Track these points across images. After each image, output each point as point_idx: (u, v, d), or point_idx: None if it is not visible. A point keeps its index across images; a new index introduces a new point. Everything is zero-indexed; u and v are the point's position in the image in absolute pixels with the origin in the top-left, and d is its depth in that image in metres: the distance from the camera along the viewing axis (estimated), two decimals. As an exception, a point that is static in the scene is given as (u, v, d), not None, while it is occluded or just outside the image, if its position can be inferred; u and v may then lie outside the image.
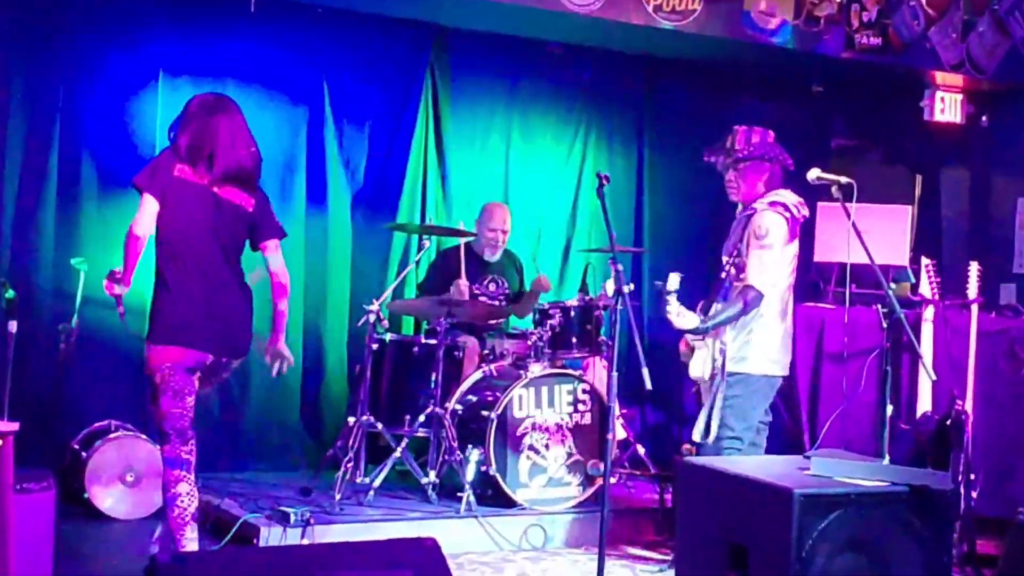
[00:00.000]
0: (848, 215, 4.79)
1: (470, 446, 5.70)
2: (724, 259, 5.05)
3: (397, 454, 5.65)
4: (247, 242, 4.53)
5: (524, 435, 5.72)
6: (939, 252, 7.13)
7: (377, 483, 5.59)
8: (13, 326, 4.89)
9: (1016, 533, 4.46)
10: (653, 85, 7.49)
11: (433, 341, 5.89)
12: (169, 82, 6.27)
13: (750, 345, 4.94)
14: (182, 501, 4.34)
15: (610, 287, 4.70)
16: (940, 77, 7.16)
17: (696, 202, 7.34)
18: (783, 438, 7.01)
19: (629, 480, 6.36)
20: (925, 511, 3.90)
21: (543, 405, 5.77)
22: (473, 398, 5.90)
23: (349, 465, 5.58)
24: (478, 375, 5.98)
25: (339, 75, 6.72)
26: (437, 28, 6.85)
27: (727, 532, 4.03)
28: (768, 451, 6.60)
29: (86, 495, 5.44)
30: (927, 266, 5.99)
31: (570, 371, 5.93)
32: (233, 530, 5.08)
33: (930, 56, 6.97)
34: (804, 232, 6.72)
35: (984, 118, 7.47)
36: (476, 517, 5.48)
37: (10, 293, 5.04)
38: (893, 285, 6.05)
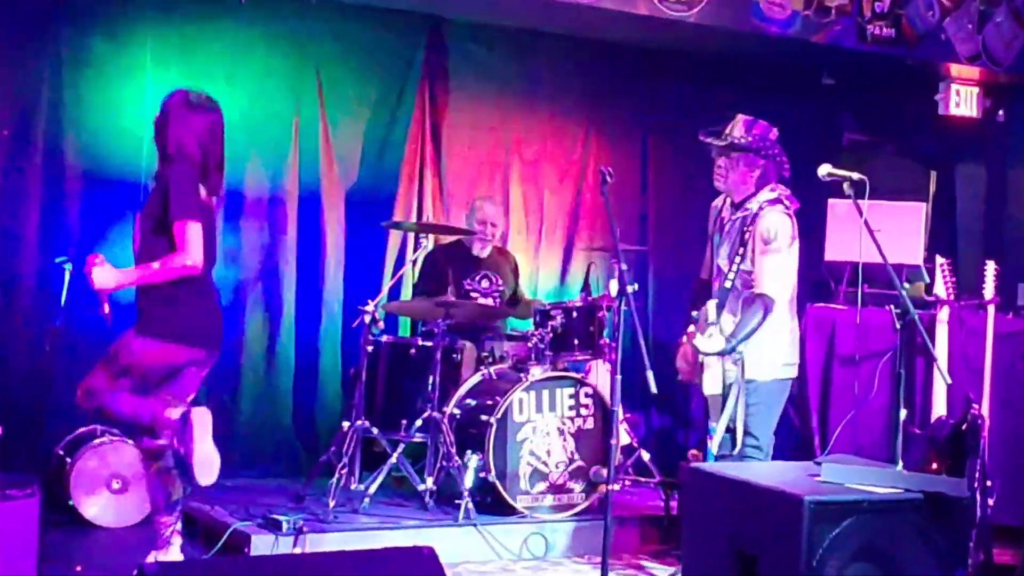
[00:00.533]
0: (860, 212, 4.79)
1: (469, 451, 5.70)
2: (722, 264, 4.95)
3: (393, 460, 5.64)
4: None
5: (524, 440, 5.71)
6: (954, 251, 7.12)
7: (372, 490, 5.59)
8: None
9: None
10: (658, 78, 7.49)
11: (430, 343, 5.89)
12: (158, 75, 6.26)
13: (765, 349, 4.89)
14: (165, 490, 4.41)
15: (613, 287, 4.69)
16: (955, 69, 7.15)
17: (703, 198, 7.28)
18: (793, 443, 7.02)
19: (633, 487, 6.35)
20: (940, 519, 3.90)
21: (544, 409, 5.76)
22: (472, 402, 5.90)
23: (343, 471, 5.58)
24: (477, 378, 5.97)
25: (332, 67, 6.72)
26: (433, 19, 6.85)
27: (735, 541, 4.03)
28: (777, 457, 6.60)
29: (71, 502, 5.44)
30: (942, 265, 5.99)
31: (572, 374, 5.93)
32: (223, 539, 5.08)
33: (945, 48, 6.97)
34: (815, 230, 6.78)
35: (1001, 112, 7.47)
36: (475, 525, 5.47)
37: None
38: (907, 285, 6.05)
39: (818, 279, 6.83)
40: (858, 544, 3.79)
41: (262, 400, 6.50)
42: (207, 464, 4.26)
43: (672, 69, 7.47)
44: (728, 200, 5.07)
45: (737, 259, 4.88)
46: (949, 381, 5.31)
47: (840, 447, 5.91)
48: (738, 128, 4.95)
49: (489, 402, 5.76)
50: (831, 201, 6.62)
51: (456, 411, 5.87)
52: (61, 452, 5.63)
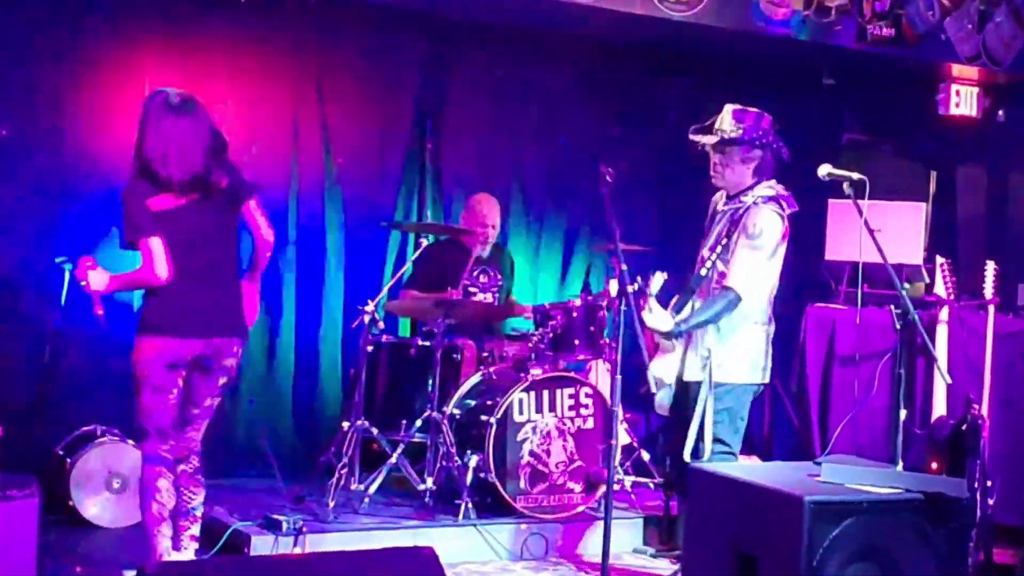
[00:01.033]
0: (860, 212, 4.79)
1: (468, 452, 5.71)
2: (704, 254, 4.82)
3: (393, 460, 5.65)
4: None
5: (524, 440, 5.72)
6: (954, 251, 7.13)
7: (372, 490, 5.60)
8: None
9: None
10: (658, 78, 7.49)
11: (430, 343, 5.89)
12: (158, 75, 6.26)
13: (735, 351, 4.75)
14: (160, 497, 4.39)
15: (614, 287, 4.69)
16: (955, 69, 7.16)
17: (708, 197, 7.31)
18: (793, 443, 7.03)
19: (633, 487, 6.36)
20: (940, 519, 3.91)
21: (544, 409, 5.77)
22: (472, 402, 5.91)
23: (343, 471, 5.58)
24: (477, 378, 5.98)
25: (331, 67, 6.72)
26: (434, 19, 6.85)
27: (735, 541, 4.04)
28: (778, 457, 6.61)
29: (71, 502, 5.45)
30: (942, 265, 5.99)
31: (572, 374, 5.94)
32: (223, 539, 5.08)
33: (945, 48, 6.97)
34: (815, 230, 6.79)
35: (1001, 112, 7.48)
36: (475, 525, 5.49)
37: None
38: (907, 285, 6.05)
39: (818, 279, 6.84)
40: (858, 544, 3.80)
41: (262, 400, 6.50)
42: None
43: (672, 69, 7.48)
44: (724, 194, 4.96)
45: (719, 248, 4.76)
46: (949, 381, 5.32)
47: (840, 447, 5.91)
48: (727, 121, 4.77)
49: (489, 402, 5.77)
50: (831, 201, 6.62)
51: (456, 411, 5.88)
52: (61, 452, 5.64)
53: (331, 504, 5.47)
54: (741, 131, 4.76)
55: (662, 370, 4.81)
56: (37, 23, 6.05)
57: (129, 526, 5.46)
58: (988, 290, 5.86)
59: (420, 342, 6.08)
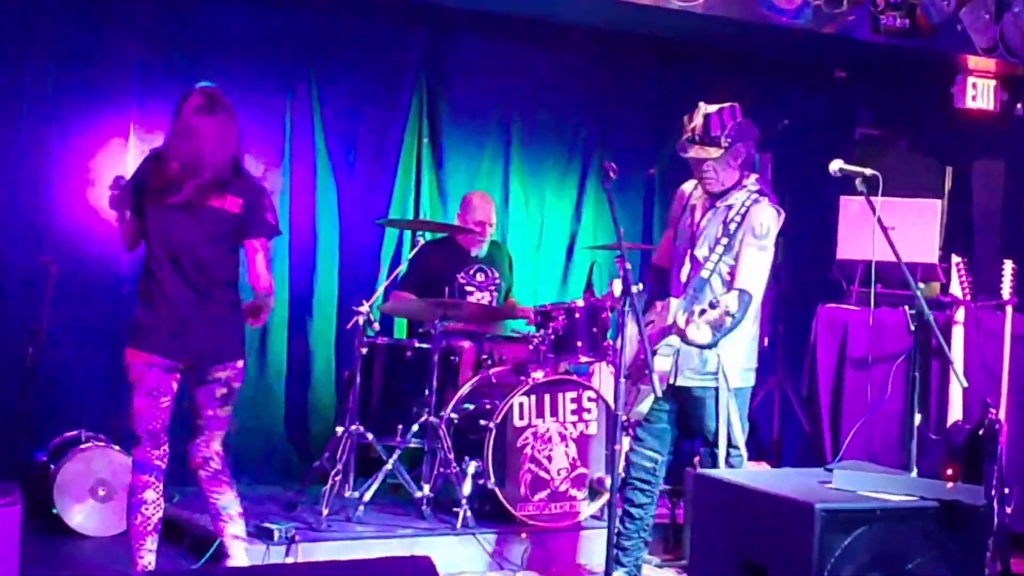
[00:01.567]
0: (873, 210, 4.78)
1: (467, 458, 5.69)
2: (700, 254, 4.79)
3: (388, 466, 5.65)
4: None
5: (525, 446, 5.71)
6: (971, 249, 7.12)
7: (367, 497, 5.59)
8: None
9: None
10: (664, 70, 7.49)
11: (427, 345, 5.88)
12: (146, 66, 6.26)
13: (739, 355, 4.79)
14: (147, 509, 4.38)
15: (617, 287, 4.66)
16: (972, 61, 7.15)
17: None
18: (804, 449, 7.02)
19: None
20: (956, 528, 3.90)
21: (545, 414, 5.76)
22: (470, 406, 5.90)
23: (337, 478, 5.58)
24: (475, 381, 5.97)
25: (326, 62, 6.72)
26: (432, 12, 6.84)
27: (744, 550, 4.02)
28: (788, 463, 6.60)
29: (55, 510, 5.43)
30: (958, 264, 5.99)
31: (574, 377, 5.93)
32: (212, 548, 5.06)
33: (961, 39, 6.96)
34: (826, 229, 6.78)
35: (1019, 105, 7.46)
36: (473, 534, 5.48)
37: None
38: (921, 285, 6.04)
39: (830, 279, 6.83)
40: (871, 554, 3.78)
41: (253, 404, 6.49)
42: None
43: (679, 61, 7.47)
44: (696, 185, 4.91)
45: (720, 249, 4.73)
46: (965, 384, 5.31)
47: (852, 453, 5.89)
48: (713, 126, 4.72)
49: (488, 406, 5.76)
50: (843, 198, 6.61)
51: (454, 416, 5.87)
52: (44, 458, 5.63)
53: (324, 512, 5.45)
54: (728, 133, 4.74)
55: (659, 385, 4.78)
56: (23, 15, 6.04)
57: (115, 535, 5.44)
58: (1006, 290, 5.85)
59: (417, 344, 6.06)
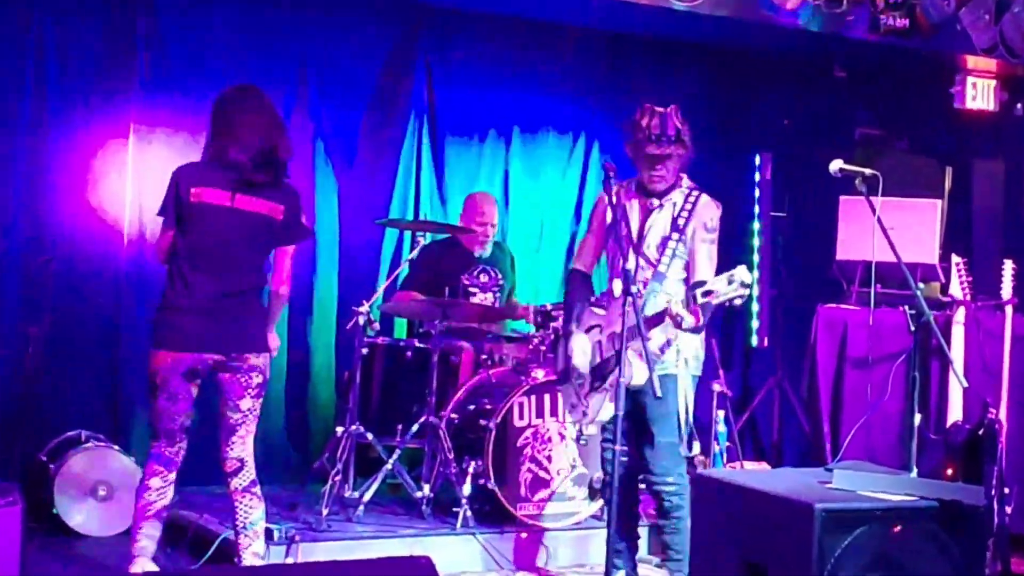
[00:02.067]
0: (873, 210, 4.79)
1: (467, 458, 5.70)
2: (652, 254, 4.84)
3: (388, 466, 5.65)
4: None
5: (525, 446, 5.72)
6: (971, 249, 7.12)
7: (367, 498, 5.59)
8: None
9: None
10: (665, 70, 7.49)
11: (427, 345, 5.89)
12: (146, 67, 6.27)
13: (698, 342, 4.91)
14: (150, 495, 4.46)
15: (617, 287, 4.68)
16: (972, 61, 7.16)
17: (711, 193, 7.32)
18: (803, 448, 7.03)
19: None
20: (956, 528, 3.91)
21: (545, 414, 5.76)
22: (470, 406, 5.90)
23: (337, 478, 5.58)
24: (475, 381, 5.98)
25: (324, 59, 6.71)
26: (433, 9, 6.84)
27: (744, 550, 4.03)
28: (788, 463, 6.61)
29: (55, 510, 5.44)
30: (958, 264, 5.99)
31: (574, 377, 5.93)
32: (212, 548, 5.08)
33: (961, 39, 6.96)
34: (825, 229, 6.79)
35: (1020, 106, 7.47)
36: (473, 534, 5.48)
37: None
38: (921, 285, 6.05)
39: (830, 279, 6.84)
40: (871, 554, 3.80)
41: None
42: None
43: (679, 61, 7.47)
44: (622, 190, 4.93)
45: (672, 245, 4.82)
46: (965, 384, 5.32)
47: (852, 453, 5.91)
48: (670, 124, 4.80)
49: (488, 406, 5.76)
50: (843, 198, 6.62)
51: (454, 416, 5.87)
52: (44, 458, 5.63)
53: (324, 512, 5.45)
54: (684, 130, 4.85)
55: (641, 375, 4.70)
56: (21, 12, 6.03)
57: (116, 535, 5.46)
58: (1006, 290, 5.86)
59: (417, 344, 6.07)
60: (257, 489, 4.58)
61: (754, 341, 7.71)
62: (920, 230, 6.50)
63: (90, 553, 5.35)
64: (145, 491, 4.46)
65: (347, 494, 5.68)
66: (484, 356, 6.16)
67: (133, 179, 6.26)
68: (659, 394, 4.40)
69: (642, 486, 5.07)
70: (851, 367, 6.43)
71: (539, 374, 5.79)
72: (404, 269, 6.50)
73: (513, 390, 5.70)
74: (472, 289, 6.41)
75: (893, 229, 4.80)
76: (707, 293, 4.44)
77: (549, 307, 6.08)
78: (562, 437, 5.78)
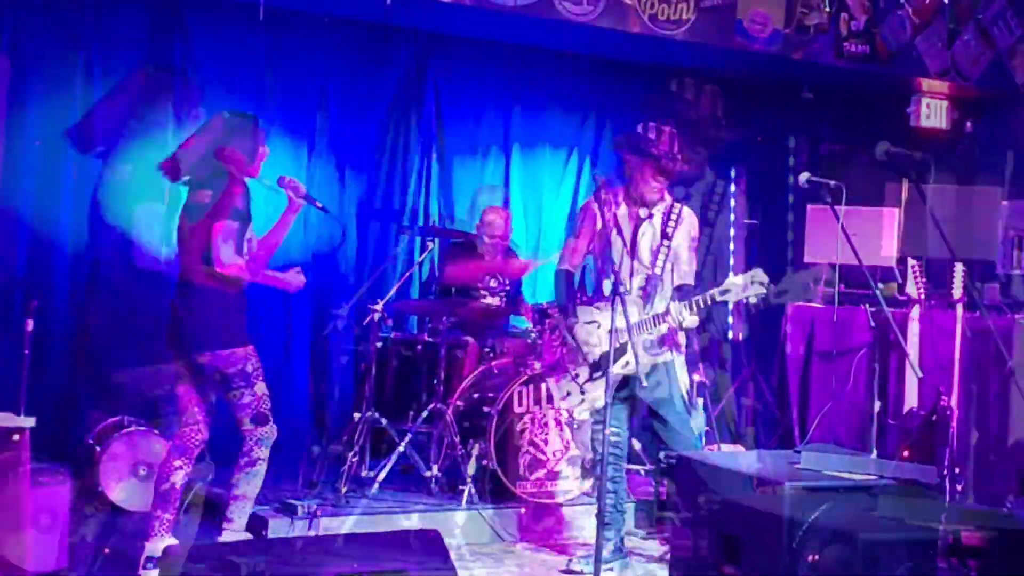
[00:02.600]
0: (837, 218, 4.79)
1: (471, 441, 5.70)
2: (646, 259, 4.88)
3: (401, 448, 5.65)
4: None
5: (524, 430, 5.71)
6: (925, 253, 7.12)
7: (381, 477, 5.59)
8: (30, 324, 4.90)
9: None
10: (650, 91, 7.48)
11: (436, 339, 5.88)
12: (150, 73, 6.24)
13: (682, 333, 5.01)
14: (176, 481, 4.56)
15: (607, 287, 4.68)
16: (926, 84, 7.16)
17: (694, 204, 7.33)
18: (775, 433, 7.02)
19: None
20: (912, 503, 3.89)
21: (542, 401, 5.76)
22: (474, 395, 5.90)
23: (354, 459, 5.58)
24: (479, 372, 5.97)
25: (340, 80, 6.68)
26: (439, 36, 6.83)
27: (721, 524, 4.03)
28: (761, 446, 6.60)
29: (100, 488, 5.44)
30: (913, 267, 5.99)
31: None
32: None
33: (916, 63, 6.97)
34: (795, 234, 6.80)
35: (969, 124, 7.47)
36: (477, 509, 5.48)
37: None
38: (881, 285, 6.05)
39: (798, 280, 6.83)
40: (835, 527, 3.79)
41: (279, 393, 6.46)
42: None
43: (662, 84, 7.46)
44: (611, 199, 4.97)
45: (664, 251, 4.90)
46: (920, 375, 5.32)
47: (819, 436, 5.92)
48: (677, 143, 4.91)
49: (491, 395, 5.76)
50: (810, 207, 6.63)
51: (460, 403, 5.87)
52: (91, 441, 5.63)
53: (343, 489, 5.46)
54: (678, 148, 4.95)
55: (625, 367, 4.79)
56: (68, 38, 6.00)
57: (153, 510, 5.44)
58: (956, 290, 5.86)
59: (426, 339, 6.07)
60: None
61: (730, 335, 7.71)
62: (880, 236, 6.50)
63: (129, 526, 5.33)
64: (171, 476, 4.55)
65: (363, 473, 5.68)
66: (487, 349, 6.16)
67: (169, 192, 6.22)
68: (644, 383, 4.39)
69: (634, 466, 5.09)
70: (818, 359, 6.44)
71: (536, 366, 5.78)
72: (415, 271, 6.48)
73: (513, 380, 5.69)
74: (482, 292, 6.41)
75: (855, 235, 4.81)
76: (724, 292, 4.56)
77: (545, 305, 6.08)
78: (557, 422, 5.77)
